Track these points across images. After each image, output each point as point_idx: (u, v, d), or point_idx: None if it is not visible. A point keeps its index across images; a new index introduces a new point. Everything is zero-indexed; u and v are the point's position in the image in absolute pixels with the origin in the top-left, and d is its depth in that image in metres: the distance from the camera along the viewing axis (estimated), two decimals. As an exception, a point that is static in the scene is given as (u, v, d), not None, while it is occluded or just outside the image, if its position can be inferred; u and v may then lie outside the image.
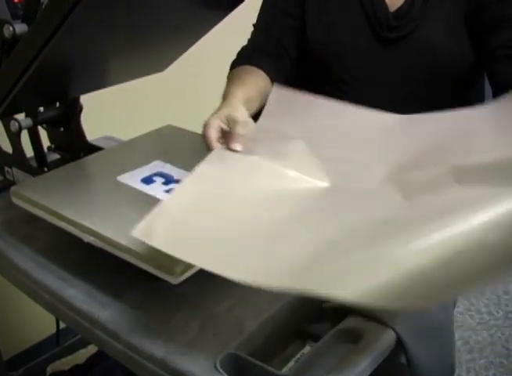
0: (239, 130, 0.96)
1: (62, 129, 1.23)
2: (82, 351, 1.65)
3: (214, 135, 0.96)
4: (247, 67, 1.19)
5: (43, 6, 0.96)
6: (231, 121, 0.97)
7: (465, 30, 1.12)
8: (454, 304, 0.92)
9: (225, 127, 0.98)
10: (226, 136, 0.97)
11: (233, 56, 1.29)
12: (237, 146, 0.95)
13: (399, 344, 0.81)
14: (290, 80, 1.19)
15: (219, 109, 1.01)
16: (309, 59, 1.24)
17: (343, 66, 1.20)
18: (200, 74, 1.27)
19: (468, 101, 1.19)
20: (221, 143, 0.96)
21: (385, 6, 1.16)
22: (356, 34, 1.19)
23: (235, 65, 1.24)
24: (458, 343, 2.16)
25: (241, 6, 1.11)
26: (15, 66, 0.97)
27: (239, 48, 1.29)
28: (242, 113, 1.00)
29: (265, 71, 1.18)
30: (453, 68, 1.13)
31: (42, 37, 0.88)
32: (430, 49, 1.13)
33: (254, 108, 1.08)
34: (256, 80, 1.14)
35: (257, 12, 1.31)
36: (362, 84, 1.20)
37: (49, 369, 1.61)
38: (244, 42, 1.30)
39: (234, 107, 1.01)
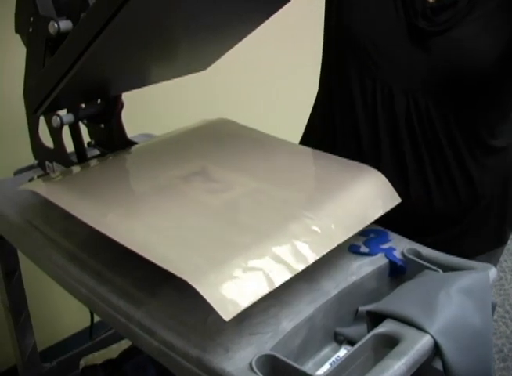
0: None
1: (102, 125, 1.24)
2: (114, 346, 1.66)
3: None
4: None
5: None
6: None
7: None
8: (493, 311, 0.90)
9: None
10: None
11: (263, 53, 1.31)
12: None
13: (436, 350, 0.80)
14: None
15: None
16: (341, 41, 1.23)
17: (369, 51, 1.16)
18: (237, 72, 1.28)
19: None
20: None
21: None
22: (388, 22, 1.14)
23: None
24: (491, 351, 2.13)
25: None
26: (59, 64, 0.98)
27: (268, 46, 1.31)
28: None
29: None
30: (477, 82, 1.08)
31: (87, 36, 0.89)
32: (458, 55, 1.08)
33: None
34: None
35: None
36: (385, 74, 1.16)
37: (82, 362, 1.62)
38: (276, 40, 1.32)
39: None
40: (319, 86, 1.34)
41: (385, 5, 1.15)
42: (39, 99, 1.05)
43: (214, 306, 0.76)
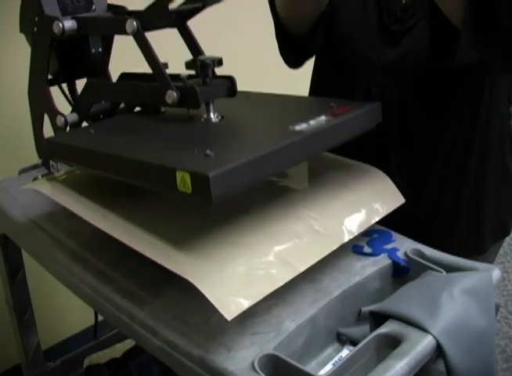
0: None
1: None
2: (119, 345, 1.66)
3: None
4: None
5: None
6: None
7: None
8: (497, 312, 0.90)
9: None
10: None
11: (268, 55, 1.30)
12: None
13: (439, 351, 0.80)
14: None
15: None
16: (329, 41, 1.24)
17: (353, 53, 1.19)
18: (241, 72, 1.28)
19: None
20: None
21: None
22: (364, 23, 1.17)
23: None
24: (495, 351, 2.13)
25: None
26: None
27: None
28: None
29: None
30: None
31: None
32: (422, 50, 1.08)
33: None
34: None
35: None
36: (368, 76, 1.18)
37: (86, 361, 1.63)
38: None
39: None
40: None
41: (366, 7, 1.18)
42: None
43: (217, 306, 0.76)
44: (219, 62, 0.98)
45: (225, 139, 0.92)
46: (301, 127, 0.90)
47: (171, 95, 0.96)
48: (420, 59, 1.11)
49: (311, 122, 0.92)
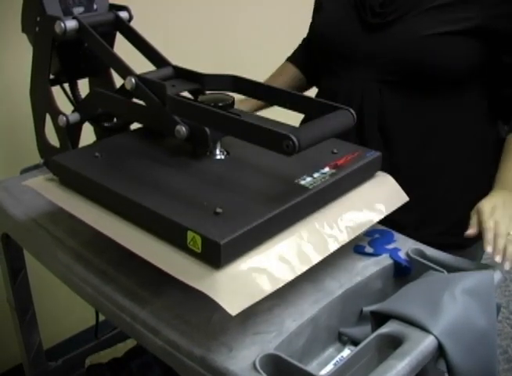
0: None
1: (106, 125, 1.24)
2: (120, 345, 1.66)
3: None
4: (283, 65, 1.43)
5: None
6: None
7: (464, 38, 1.11)
8: (498, 312, 0.90)
9: None
10: None
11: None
12: None
13: (440, 351, 0.80)
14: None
15: None
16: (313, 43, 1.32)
17: (332, 47, 1.23)
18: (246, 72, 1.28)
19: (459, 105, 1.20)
20: None
21: None
22: (343, 18, 1.22)
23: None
24: (496, 352, 2.13)
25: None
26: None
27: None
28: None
29: (295, 64, 1.42)
30: (437, 71, 1.13)
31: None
32: (414, 43, 1.12)
33: None
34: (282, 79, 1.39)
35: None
36: (349, 68, 1.21)
37: (88, 361, 1.63)
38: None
39: None
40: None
41: (346, 6, 1.23)
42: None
43: (220, 302, 0.76)
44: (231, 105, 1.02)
45: (232, 187, 0.93)
46: (306, 181, 0.93)
47: (180, 130, 0.98)
48: (398, 53, 1.14)
49: (316, 175, 0.95)
